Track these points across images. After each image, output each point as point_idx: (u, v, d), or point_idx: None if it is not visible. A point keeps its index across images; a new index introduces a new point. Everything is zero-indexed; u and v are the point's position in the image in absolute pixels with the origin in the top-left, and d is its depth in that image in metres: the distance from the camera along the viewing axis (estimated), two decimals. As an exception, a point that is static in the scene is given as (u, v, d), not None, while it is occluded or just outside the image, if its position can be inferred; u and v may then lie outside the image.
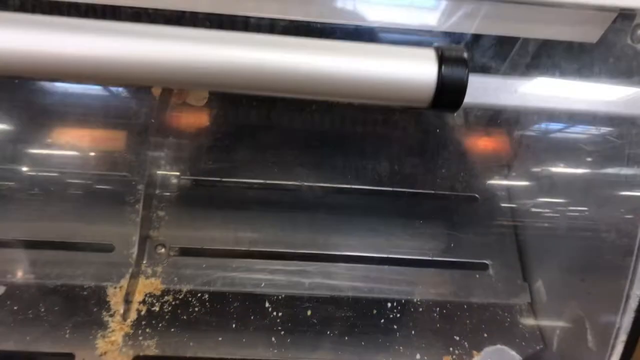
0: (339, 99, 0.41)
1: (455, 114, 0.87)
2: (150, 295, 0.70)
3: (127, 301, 0.69)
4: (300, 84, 0.39)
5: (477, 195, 0.83)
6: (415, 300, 0.73)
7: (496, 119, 0.86)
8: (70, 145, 0.79)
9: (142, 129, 0.81)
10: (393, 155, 0.84)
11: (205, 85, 0.40)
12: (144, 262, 0.73)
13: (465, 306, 0.74)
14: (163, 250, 0.74)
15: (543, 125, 0.84)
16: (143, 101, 0.81)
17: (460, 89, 0.40)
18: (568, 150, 0.78)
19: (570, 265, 0.70)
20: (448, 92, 0.40)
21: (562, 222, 0.77)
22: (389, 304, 0.73)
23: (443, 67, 0.39)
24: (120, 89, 0.82)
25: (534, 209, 0.83)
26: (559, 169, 0.81)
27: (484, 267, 0.78)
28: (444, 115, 0.87)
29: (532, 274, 0.77)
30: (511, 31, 0.60)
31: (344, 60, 0.39)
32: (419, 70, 0.39)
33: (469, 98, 0.51)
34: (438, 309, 0.73)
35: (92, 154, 0.79)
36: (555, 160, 0.81)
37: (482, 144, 0.87)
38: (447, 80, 0.39)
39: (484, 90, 0.51)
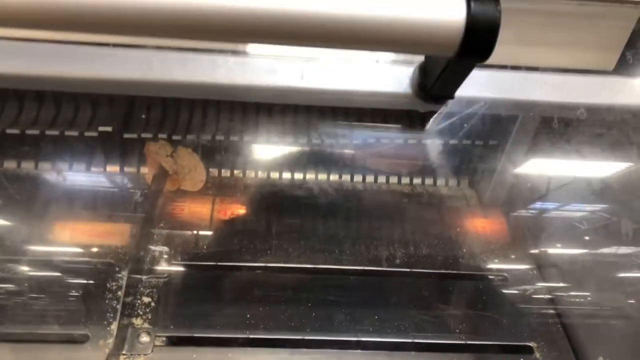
0: (355, 45, 0.36)
1: (470, 193, 0.82)
2: (127, 390, 0.57)
3: (98, 397, 0.55)
4: (312, 29, 0.34)
5: (506, 275, 0.74)
6: (452, 389, 0.60)
7: (516, 196, 0.81)
8: (51, 232, 0.72)
9: (132, 216, 0.74)
10: (409, 235, 0.77)
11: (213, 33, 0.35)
12: (123, 352, 0.60)
13: (515, 395, 0.60)
14: (147, 339, 0.62)
15: (570, 201, 0.79)
16: (134, 187, 0.76)
17: (492, 29, 0.35)
18: (599, 226, 0.72)
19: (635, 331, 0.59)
20: (479, 34, 0.35)
21: (612, 297, 0.67)
22: (421, 395, 0.59)
23: (472, 3, 0.35)
24: (110, 175, 0.77)
25: (575, 288, 0.73)
26: (595, 245, 0.74)
27: (529, 350, 0.65)
28: (462, 194, 0.81)
29: (587, 355, 0.64)
30: (527, 61, 0.57)
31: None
32: (444, 7, 0.35)
33: (496, 93, 0.46)
34: (482, 399, 0.59)
35: (74, 241, 0.71)
36: (589, 235, 0.73)
37: (504, 223, 0.80)
38: (478, 18, 0.35)
39: (510, 85, 0.47)
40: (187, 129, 0.76)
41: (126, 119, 0.74)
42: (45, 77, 0.43)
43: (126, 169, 0.78)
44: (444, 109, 0.57)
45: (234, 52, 0.45)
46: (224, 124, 0.77)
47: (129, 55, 0.43)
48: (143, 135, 0.72)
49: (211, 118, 0.76)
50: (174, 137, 0.74)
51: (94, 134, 0.71)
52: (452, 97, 0.44)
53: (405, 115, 0.68)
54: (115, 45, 0.43)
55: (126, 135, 0.73)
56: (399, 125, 0.71)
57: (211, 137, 0.75)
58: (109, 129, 0.70)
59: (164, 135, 0.73)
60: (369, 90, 0.45)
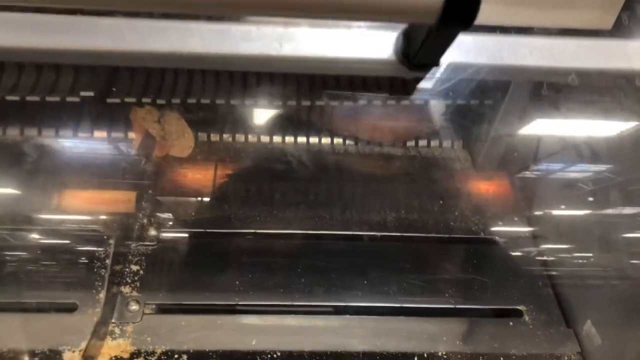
0: (331, 14, 0.33)
1: (464, 155, 0.80)
2: (117, 358, 0.57)
3: (87, 366, 0.56)
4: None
5: (497, 238, 0.73)
6: (440, 353, 0.60)
7: (510, 158, 0.80)
8: (38, 200, 0.71)
9: (120, 183, 0.73)
10: (401, 199, 0.76)
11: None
12: (113, 321, 0.61)
13: (502, 359, 0.60)
14: (136, 307, 0.62)
15: (561, 163, 0.77)
16: (121, 154, 0.75)
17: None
18: (592, 188, 0.71)
19: (628, 295, 0.59)
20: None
21: (601, 260, 0.67)
22: None
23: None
24: (96, 142, 0.75)
25: (565, 251, 0.73)
26: (585, 208, 0.73)
27: (518, 313, 0.65)
28: (455, 155, 0.80)
29: (576, 317, 0.64)
30: (523, 20, 0.54)
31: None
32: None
33: (485, 59, 0.44)
34: (470, 362, 0.60)
35: (62, 209, 0.71)
36: (580, 197, 0.72)
37: (495, 186, 0.79)
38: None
39: (499, 50, 0.45)
40: (172, 93, 0.74)
41: (110, 84, 0.72)
42: (12, 48, 0.41)
43: (113, 135, 0.76)
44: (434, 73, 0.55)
45: (209, 19, 0.43)
46: (211, 88, 0.75)
47: (98, 24, 0.41)
48: (127, 99, 0.70)
49: (198, 82, 0.74)
50: (159, 102, 0.72)
51: (76, 99, 0.69)
52: (437, 64, 0.42)
53: (391, 80, 0.66)
54: (83, 13, 0.41)
55: (110, 100, 0.71)
56: (385, 92, 0.69)
57: (196, 101, 0.73)
58: (91, 94, 0.68)
59: (149, 100, 0.71)
60: (351, 57, 0.43)
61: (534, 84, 0.69)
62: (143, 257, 0.67)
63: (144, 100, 0.69)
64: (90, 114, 0.74)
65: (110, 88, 0.69)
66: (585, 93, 0.52)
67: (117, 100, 0.70)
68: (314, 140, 0.81)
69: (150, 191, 0.73)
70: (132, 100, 0.69)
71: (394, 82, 0.66)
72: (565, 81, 0.43)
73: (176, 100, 0.71)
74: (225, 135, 0.80)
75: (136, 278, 0.65)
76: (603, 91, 0.50)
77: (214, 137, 0.80)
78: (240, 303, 0.64)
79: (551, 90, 0.64)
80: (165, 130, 0.75)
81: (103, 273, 0.64)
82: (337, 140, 0.82)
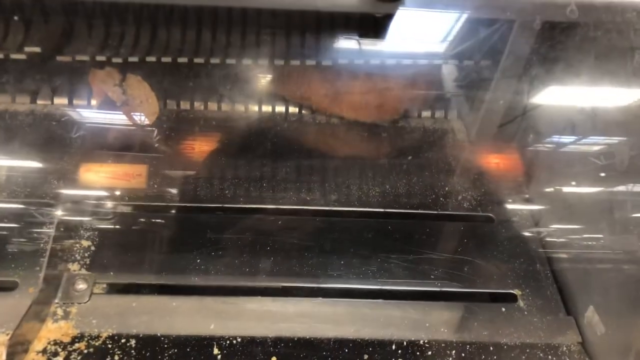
0: None
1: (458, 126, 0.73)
2: (56, 342, 0.51)
3: (19, 351, 0.49)
4: None
5: (492, 216, 0.66)
6: (422, 341, 0.53)
7: (509, 129, 0.72)
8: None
9: (74, 152, 0.66)
10: (386, 173, 0.69)
11: None
12: (56, 301, 0.54)
13: (492, 348, 0.53)
14: (84, 286, 0.56)
15: (562, 137, 0.69)
16: (78, 119, 0.68)
17: None
18: (594, 163, 0.63)
19: (635, 279, 0.51)
20: None
21: (607, 241, 0.59)
22: (387, 348, 0.53)
23: None
24: (46, 107, 0.68)
25: (567, 231, 0.65)
26: (590, 184, 0.65)
27: (512, 298, 0.58)
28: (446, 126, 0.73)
29: (577, 304, 0.57)
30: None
31: None
32: None
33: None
34: (454, 352, 0.53)
35: (6, 178, 0.64)
36: (585, 172, 0.64)
37: (492, 159, 0.72)
38: None
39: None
40: (132, 53, 0.67)
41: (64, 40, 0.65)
42: None
43: (63, 99, 0.70)
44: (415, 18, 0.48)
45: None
46: (176, 45, 0.68)
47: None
48: (78, 57, 0.63)
49: (162, 39, 0.67)
50: (115, 60, 0.65)
51: (22, 56, 0.62)
52: (409, -8, 0.34)
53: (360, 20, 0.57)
54: None
55: (60, 58, 0.64)
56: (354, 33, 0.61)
57: (157, 59, 0.66)
58: (38, 49, 0.61)
59: (103, 58, 0.64)
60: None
61: (532, 48, 0.62)
62: (96, 232, 0.60)
63: (99, 58, 0.62)
64: (44, 75, 0.67)
65: (64, 45, 0.62)
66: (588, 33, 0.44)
67: (68, 59, 0.63)
68: (293, 109, 0.74)
69: (108, 160, 0.67)
70: (85, 58, 0.62)
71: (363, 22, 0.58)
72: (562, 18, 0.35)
73: (134, 59, 0.64)
74: (196, 104, 0.73)
75: (86, 255, 0.59)
76: (609, 28, 0.42)
77: (184, 105, 0.73)
78: (199, 284, 0.57)
79: (550, 48, 0.57)
80: (128, 94, 0.68)
81: (46, 248, 0.57)
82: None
